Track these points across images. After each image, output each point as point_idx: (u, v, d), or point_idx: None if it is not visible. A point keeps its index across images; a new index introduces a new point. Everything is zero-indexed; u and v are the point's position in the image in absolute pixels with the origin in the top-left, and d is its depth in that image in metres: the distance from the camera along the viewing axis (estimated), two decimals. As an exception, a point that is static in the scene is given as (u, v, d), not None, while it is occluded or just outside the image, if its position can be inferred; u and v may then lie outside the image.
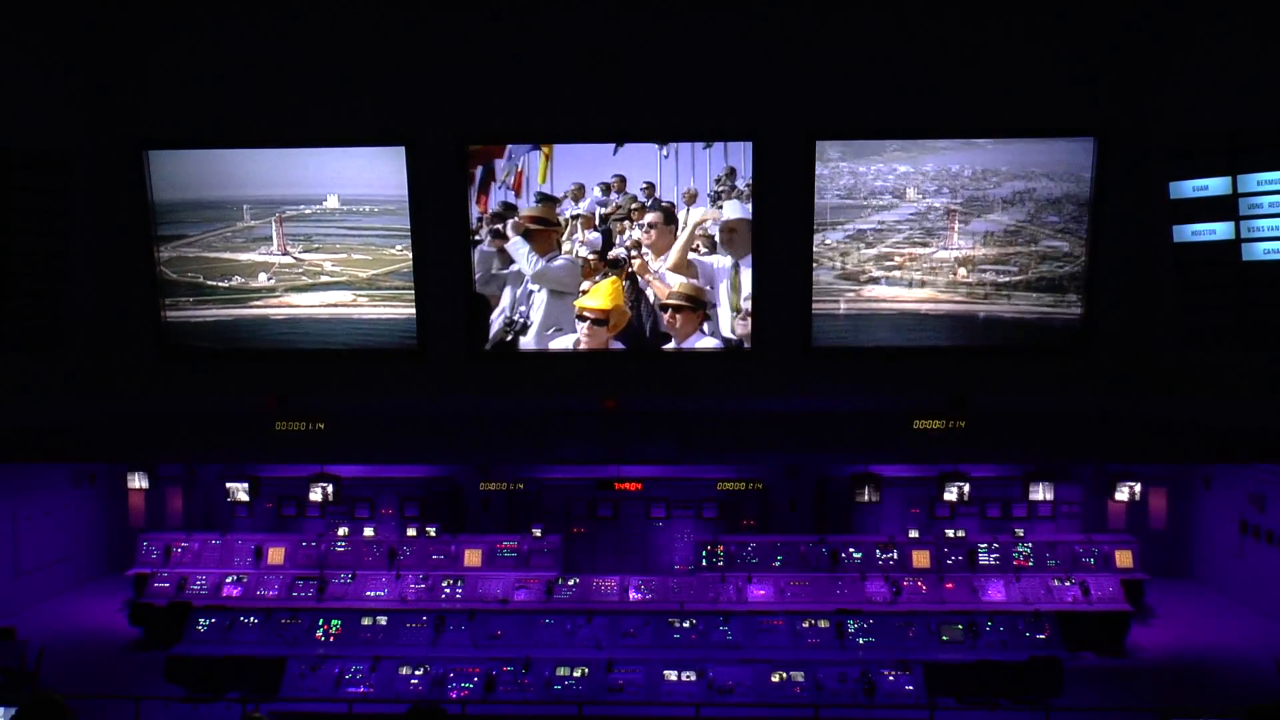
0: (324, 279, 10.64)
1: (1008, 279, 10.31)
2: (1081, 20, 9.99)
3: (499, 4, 10.14)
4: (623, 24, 10.06)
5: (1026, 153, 10.00)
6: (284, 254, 10.53)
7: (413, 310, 10.62)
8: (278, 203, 10.33)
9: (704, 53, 10.08)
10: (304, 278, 10.62)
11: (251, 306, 10.73)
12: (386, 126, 10.21)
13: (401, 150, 10.11)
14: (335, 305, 10.72)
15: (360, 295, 10.68)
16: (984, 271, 10.31)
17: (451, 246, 10.38)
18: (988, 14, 9.98)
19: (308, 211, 10.35)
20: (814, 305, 10.50)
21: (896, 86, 10.05)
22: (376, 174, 10.19)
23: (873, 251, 10.33)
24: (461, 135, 10.11)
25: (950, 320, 10.47)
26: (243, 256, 10.59)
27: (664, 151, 10.49)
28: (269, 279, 10.63)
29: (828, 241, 10.28)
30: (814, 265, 10.36)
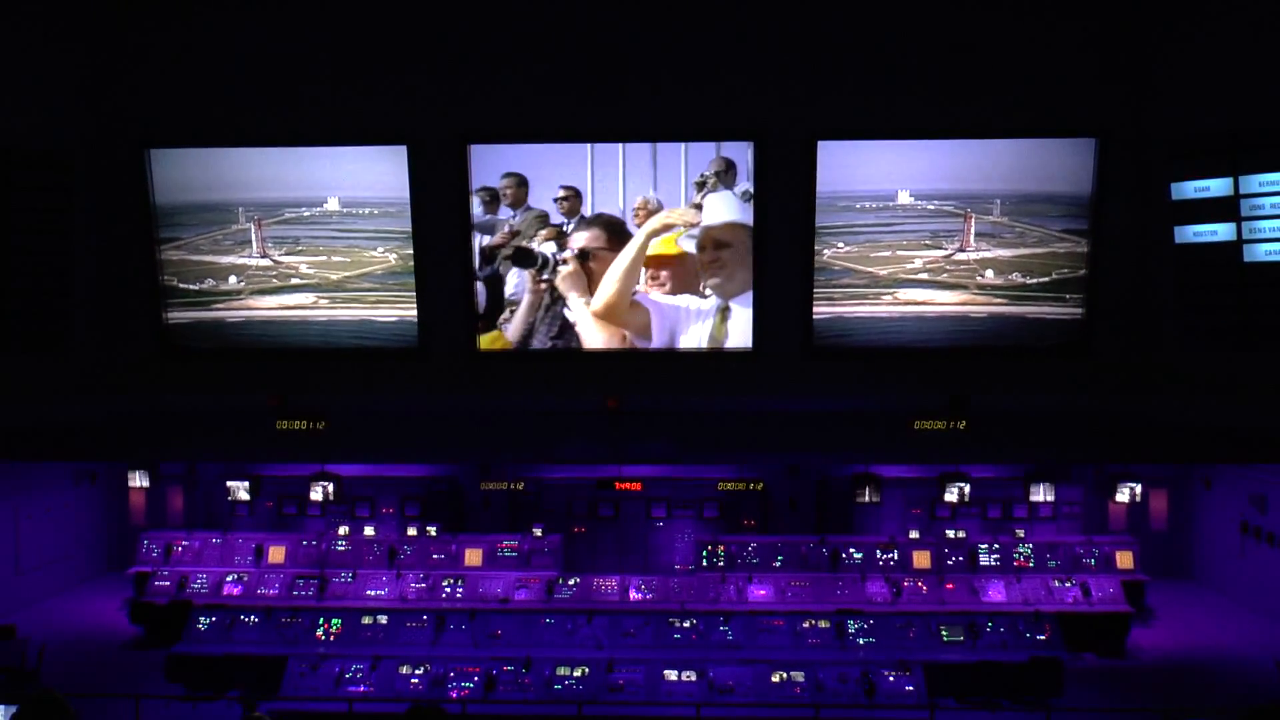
0: (294, 281, 10.34)
1: (1035, 280, 10.14)
2: (1082, 20, 9.98)
3: (500, 3, 10.14)
4: (623, 23, 10.05)
5: (1028, 154, 9.98)
6: (263, 257, 10.22)
7: (367, 314, 10.47)
8: (278, 205, 10.30)
9: (705, 53, 10.06)
10: (274, 280, 10.45)
11: (212, 310, 10.60)
12: (387, 126, 10.20)
13: (403, 151, 10.10)
14: (292, 308, 10.41)
15: (321, 298, 10.38)
16: (1011, 274, 10.10)
17: (451, 246, 10.37)
18: (988, 14, 9.97)
19: (306, 214, 10.31)
20: (850, 308, 10.24)
21: (897, 87, 10.04)
22: (378, 176, 10.16)
23: (886, 254, 10.10)
24: (462, 135, 10.11)
25: (992, 321, 10.21)
26: (223, 259, 10.43)
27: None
28: (239, 282, 10.47)
29: (839, 245, 10.08)
30: (838, 268, 10.17)
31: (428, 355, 10.75)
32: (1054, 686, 10.24)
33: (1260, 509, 13.62)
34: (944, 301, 10.16)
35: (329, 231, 10.33)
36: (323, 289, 10.45)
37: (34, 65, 9.95)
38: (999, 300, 10.15)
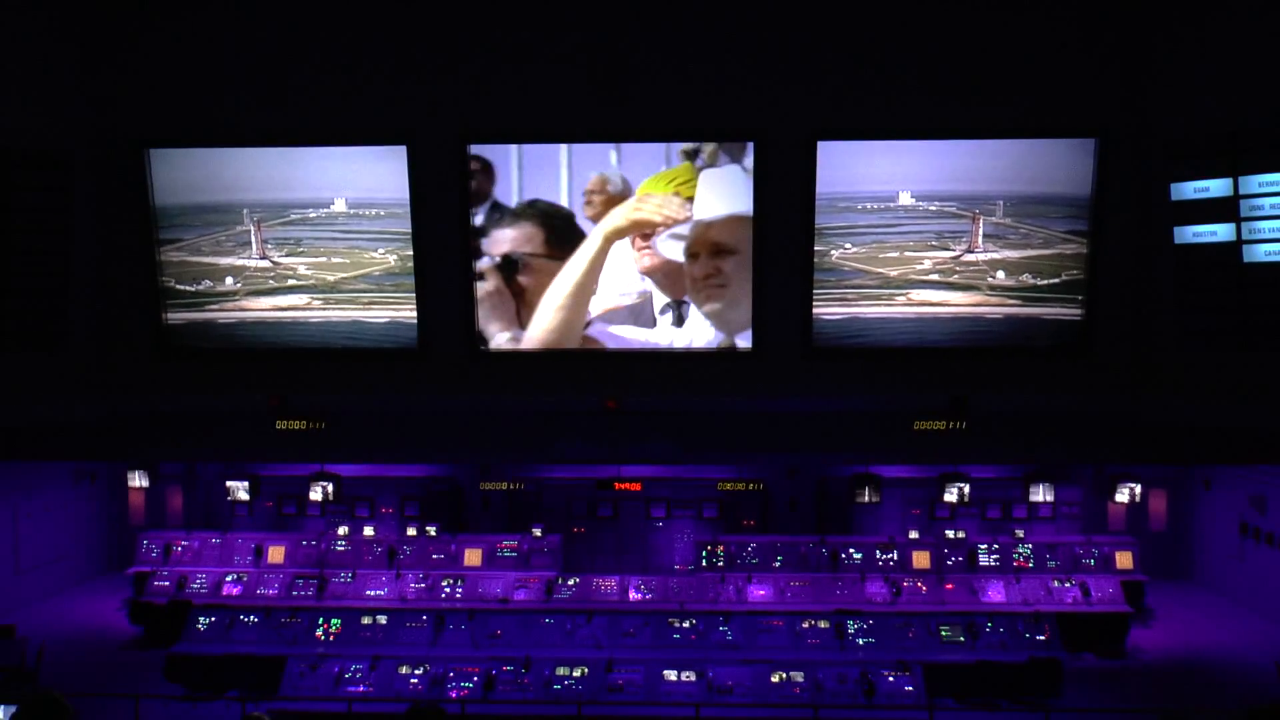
0: (290, 283, 10.18)
1: (1045, 281, 10.10)
2: (1081, 20, 9.99)
3: (500, 4, 10.14)
4: (624, 24, 10.06)
5: (1028, 155, 9.97)
6: (262, 258, 10.01)
7: (359, 315, 10.43)
8: (285, 206, 10.29)
9: (706, 53, 10.07)
10: (271, 282, 10.34)
11: (205, 310, 10.56)
12: (387, 125, 10.21)
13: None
14: (285, 309, 10.29)
15: (315, 299, 10.14)
16: (1022, 274, 10.04)
17: (451, 246, 10.37)
18: (988, 15, 9.98)
19: (313, 215, 10.28)
20: (864, 309, 10.21)
21: (898, 87, 10.04)
22: (386, 177, 10.14)
23: (894, 255, 10.02)
24: (461, 135, 10.10)
25: (1007, 323, 10.17)
26: (223, 261, 10.35)
27: None
28: (235, 283, 10.42)
29: (846, 246, 10.01)
30: (848, 269, 10.09)
31: (427, 355, 10.75)
32: (1053, 687, 10.23)
33: (1260, 510, 13.62)
34: (958, 303, 10.10)
35: (332, 233, 10.30)
36: (318, 290, 10.42)
37: (34, 65, 9.95)
38: (1012, 301, 10.08)
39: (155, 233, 10.48)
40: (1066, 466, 14.41)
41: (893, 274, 9.90)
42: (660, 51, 10.08)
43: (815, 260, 10.03)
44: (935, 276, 9.95)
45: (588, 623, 11.00)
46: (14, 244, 9.92)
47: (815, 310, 10.07)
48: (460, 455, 14.14)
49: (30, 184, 9.95)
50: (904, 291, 9.94)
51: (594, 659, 10.12)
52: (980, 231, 9.91)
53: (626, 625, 11.00)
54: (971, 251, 9.81)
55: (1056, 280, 10.06)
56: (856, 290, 10.04)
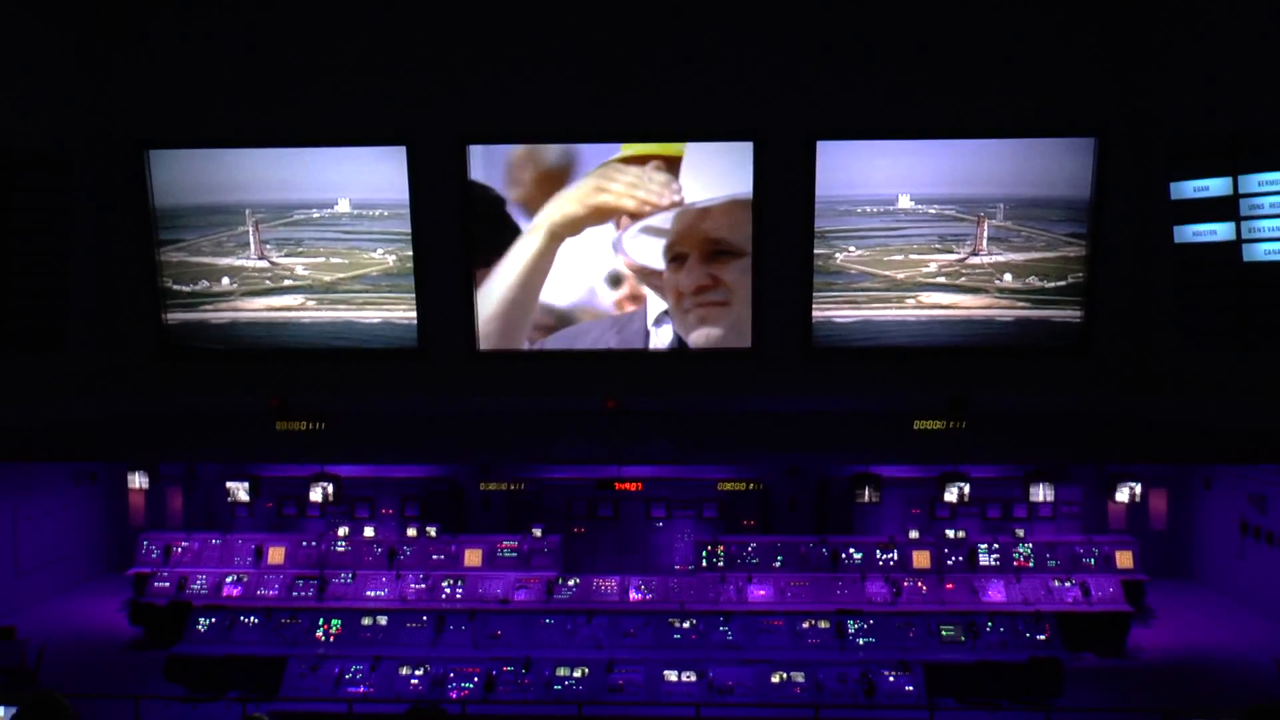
0: (286, 283, 10.12)
1: (1052, 284, 10.08)
2: (1081, 20, 9.99)
3: (500, 4, 10.14)
4: (623, 24, 10.06)
5: (1028, 157, 9.96)
6: (260, 258, 9.94)
7: (353, 315, 10.42)
8: (288, 206, 10.28)
9: (704, 53, 10.07)
10: (267, 282, 10.30)
11: (199, 310, 10.56)
12: (386, 125, 10.20)
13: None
14: (279, 309, 10.23)
15: (309, 299, 10.15)
16: (1028, 277, 10.02)
17: (451, 246, 10.37)
18: (988, 14, 9.98)
19: (316, 215, 10.26)
20: (876, 311, 10.13)
21: (897, 87, 10.04)
22: (391, 178, 10.13)
23: (899, 258, 9.96)
24: (461, 135, 10.10)
25: (1019, 325, 10.16)
26: (221, 261, 10.35)
27: None
28: (231, 283, 10.42)
29: (850, 249, 9.98)
30: (854, 271, 10.04)
31: (427, 355, 10.75)
32: (1054, 686, 10.24)
33: (1260, 509, 13.63)
34: (968, 305, 10.11)
35: (334, 233, 10.29)
36: (313, 290, 10.41)
37: (33, 65, 9.95)
38: (1022, 304, 10.11)
39: (155, 234, 10.48)
40: (1066, 466, 14.42)
41: (899, 276, 9.94)
42: (660, 51, 10.08)
43: (821, 263, 10.04)
44: (943, 279, 9.97)
45: (588, 623, 11.01)
46: (14, 244, 9.92)
47: (827, 313, 10.08)
48: (460, 455, 14.15)
49: (30, 184, 9.94)
50: (913, 294, 10.00)
51: (594, 659, 10.12)
52: (985, 234, 9.91)
53: (627, 625, 11.01)
54: (976, 254, 9.87)
55: (1063, 283, 10.07)
56: (866, 293, 10.07)
